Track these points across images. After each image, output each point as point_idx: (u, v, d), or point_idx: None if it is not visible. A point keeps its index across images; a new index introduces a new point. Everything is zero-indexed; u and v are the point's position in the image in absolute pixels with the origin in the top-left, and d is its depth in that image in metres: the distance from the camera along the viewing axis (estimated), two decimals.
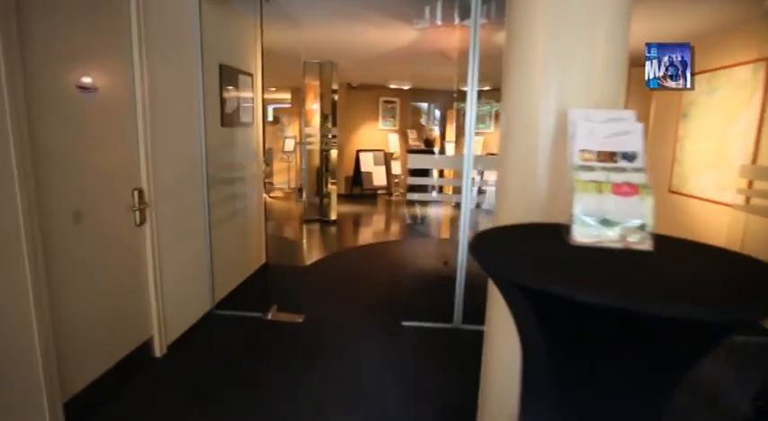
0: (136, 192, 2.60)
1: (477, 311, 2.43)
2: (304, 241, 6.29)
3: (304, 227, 7.03)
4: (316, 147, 7.44)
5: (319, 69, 7.19)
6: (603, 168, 1.16)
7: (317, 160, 7.66)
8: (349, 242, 6.50)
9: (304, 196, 7.44)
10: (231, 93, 3.79)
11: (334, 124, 7.37)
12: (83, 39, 2.21)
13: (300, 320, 3.52)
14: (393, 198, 9.98)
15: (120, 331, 2.59)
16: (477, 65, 3.08)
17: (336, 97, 7.29)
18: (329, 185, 7.50)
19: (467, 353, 2.59)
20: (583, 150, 1.19)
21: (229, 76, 3.75)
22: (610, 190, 1.13)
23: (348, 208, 8.72)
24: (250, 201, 4.29)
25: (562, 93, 1.63)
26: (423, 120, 10.47)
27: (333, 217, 7.33)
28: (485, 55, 3.07)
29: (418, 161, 4.25)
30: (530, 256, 1.05)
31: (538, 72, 1.67)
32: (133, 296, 2.69)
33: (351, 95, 9.89)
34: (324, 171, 7.57)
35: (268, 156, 10.05)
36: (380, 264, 5.16)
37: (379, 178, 9.98)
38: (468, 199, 3.34)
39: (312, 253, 5.68)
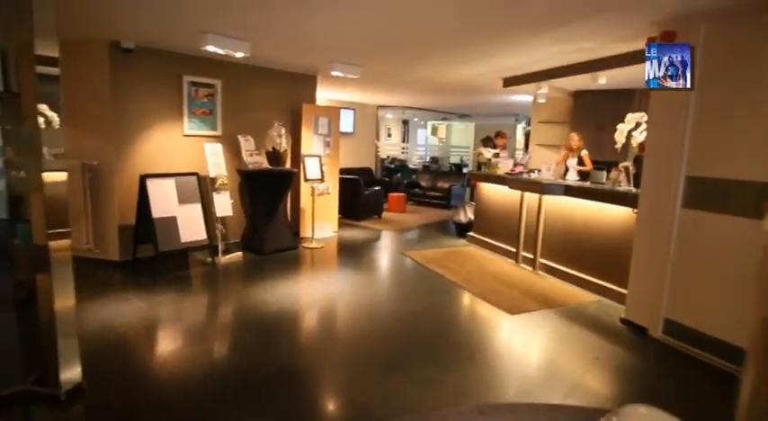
0: None
1: None
2: None
3: None
4: None
5: None
6: None
7: None
8: None
9: None
10: None
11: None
12: None
13: None
14: (223, 260, 5.47)
15: None
16: None
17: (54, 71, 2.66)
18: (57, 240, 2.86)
19: None
20: None
21: None
22: None
23: (126, 307, 3.97)
24: None
25: None
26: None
27: (70, 375, 2.60)
28: None
29: None
30: None
31: None
32: None
33: (124, 68, 5.06)
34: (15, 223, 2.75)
35: None
36: None
37: (192, 227, 5.33)
38: None
39: None
